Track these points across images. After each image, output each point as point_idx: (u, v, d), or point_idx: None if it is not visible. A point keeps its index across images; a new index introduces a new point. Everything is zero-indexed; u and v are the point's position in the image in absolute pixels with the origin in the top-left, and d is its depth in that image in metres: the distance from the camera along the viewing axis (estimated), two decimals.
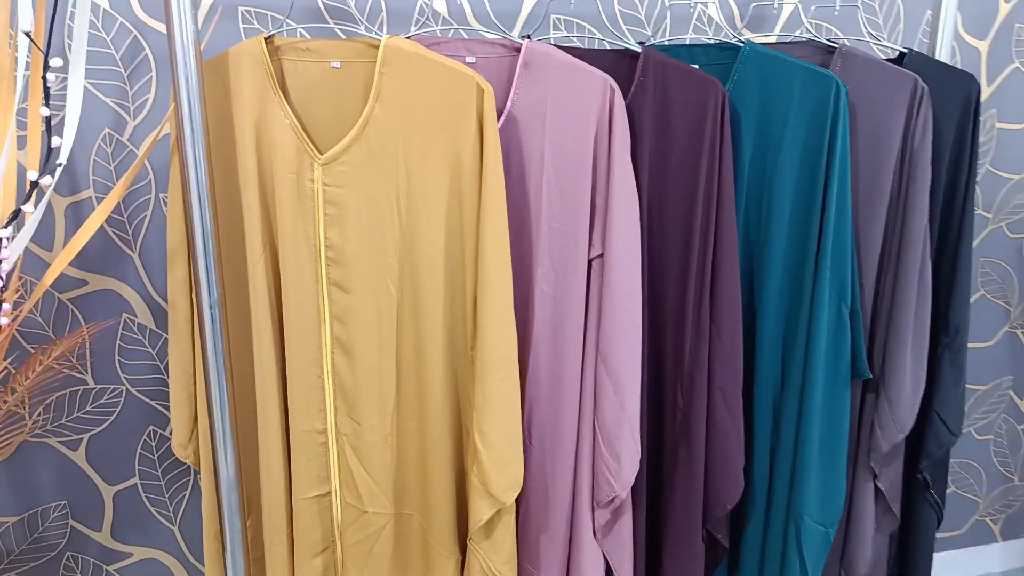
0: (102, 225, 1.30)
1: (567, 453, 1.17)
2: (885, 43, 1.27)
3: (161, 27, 1.24)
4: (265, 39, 1.03)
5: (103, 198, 1.29)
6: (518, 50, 1.07)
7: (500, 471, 1.07)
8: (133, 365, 1.37)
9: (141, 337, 1.36)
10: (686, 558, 1.24)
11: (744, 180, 1.18)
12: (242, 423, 1.15)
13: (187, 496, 1.46)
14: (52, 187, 0.97)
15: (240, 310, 1.11)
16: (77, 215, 1.28)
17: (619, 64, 1.14)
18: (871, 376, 1.23)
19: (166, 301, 1.34)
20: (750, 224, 1.20)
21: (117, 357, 1.36)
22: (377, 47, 1.01)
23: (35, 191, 0.94)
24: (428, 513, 1.16)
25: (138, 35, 1.24)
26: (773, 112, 1.14)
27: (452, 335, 1.09)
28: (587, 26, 1.41)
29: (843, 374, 1.22)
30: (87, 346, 1.34)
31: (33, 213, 0.95)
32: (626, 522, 1.21)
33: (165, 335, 1.37)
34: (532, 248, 1.12)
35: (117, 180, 1.29)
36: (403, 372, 1.11)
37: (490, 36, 1.11)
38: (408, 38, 1.08)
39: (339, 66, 1.05)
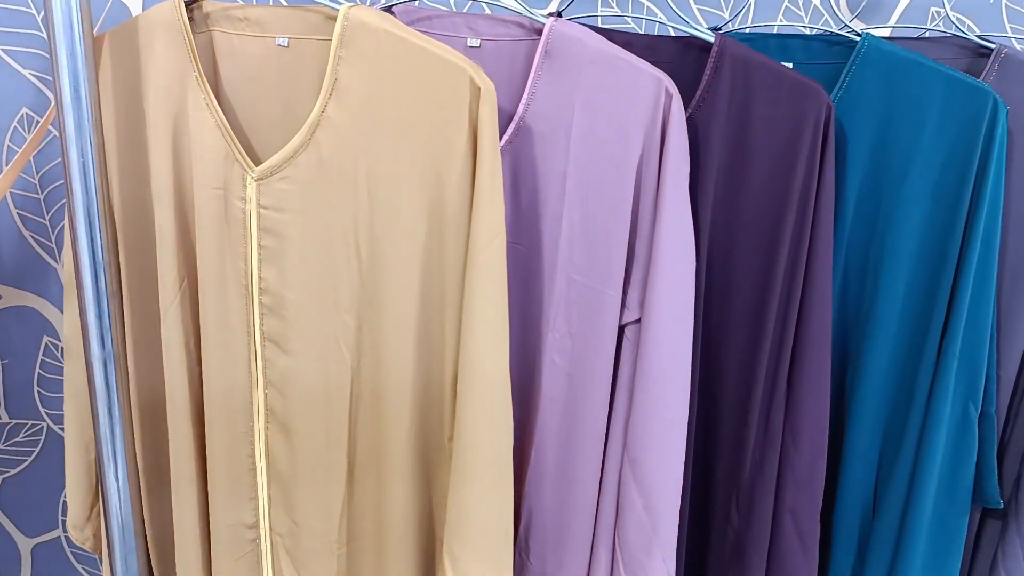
0: (19, 229, 1.04)
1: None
2: None
3: None
4: (187, 2, 0.74)
5: (21, 196, 1.03)
6: (540, 32, 0.76)
7: None
8: (56, 398, 1.12)
9: None
10: None
11: (846, 228, 0.85)
12: (152, 507, 0.88)
13: None
14: None
15: (153, 361, 0.84)
16: None
17: (683, 59, 0.82)
18: (1001, 505, 0.90)
19: None
20: (848, 288, 0.87)
21: (36, 388, 1.11)
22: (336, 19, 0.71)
23: None
24: None
25: None
26: (897, 135, 0.81)
27: (425, 419, 0.80)
28: (646, 3, 1.09)
29: (962, 498, 0.89)
30: None
31: None
32: None
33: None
34: (543, 306, 0.81)
35: (37, 172, 1.03)
36: (358, 462, 0.82)
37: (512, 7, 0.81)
38: (388, 8, 0.78)
39: (287, 44, 0.75)
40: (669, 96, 0.74)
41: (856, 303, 0.87)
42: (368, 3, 0.82)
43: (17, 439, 1.13)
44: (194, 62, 0.74)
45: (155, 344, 0.83)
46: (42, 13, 0.97)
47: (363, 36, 0.69)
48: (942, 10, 1.18)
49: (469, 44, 0.79)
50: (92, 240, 0.74)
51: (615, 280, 0.79)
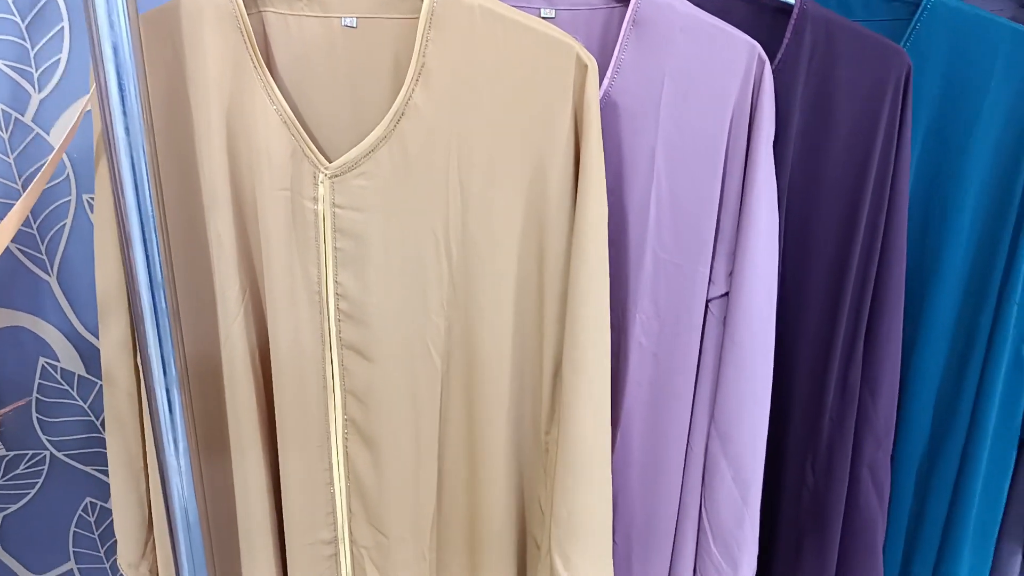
0: None
1: (662, 554, 0.87)
2: None
3: None
4: None
5: (4, 204, 0.91)
6: (621, 1, 0.72)
7: None
8: (58, 423, 1.02)
9: (67, 387, 1.00)
10: None
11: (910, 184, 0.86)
12: (217, 537, 0.82)
13: None
14: None
15: (207, 382, 0.77)
16: None
17: (758, 20, 0.79)
18: None
19: (98, 339, 0.99)
20: (911, 242, 0.88)
21: (35, 415, 1.00)
22: None
23: None
24: None
25: None
26: (962, 91, 0.82)
27: (519, 417, 0.77)
28: None
29: (1013, 433, 0.93)
30: None
31: None
32: None
33: (99, 383, 1.01)
34: (628, 287, 0.79)
35: (19, 177, 0.91)
36: (447, 468, 0.78)
37: None
38: None
39: (355, 24, 0.68)
40: (762, 63, 0.71)
41: (918, 254, 0.88)
42: None
43: (17, 471, 1.02)
44: (250, 48, 0.66)
45: (209, 360, 0.76)
46: None
47: (455, 14, 0.63)
48: None
49: (543, 14, 0.74)
50: (149, 259, 0.66)
51: (704, 256, 0.77)
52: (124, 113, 0.61)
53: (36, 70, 0.87)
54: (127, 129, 0.62)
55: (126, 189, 0.63)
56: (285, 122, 0.67)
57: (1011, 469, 0.96)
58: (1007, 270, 0.86)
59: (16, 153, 0.89)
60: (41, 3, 0.85)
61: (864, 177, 0.78)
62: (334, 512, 0.80)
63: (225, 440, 0.78)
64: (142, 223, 0.64)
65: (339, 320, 0.72)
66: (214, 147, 0.68)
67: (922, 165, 0.85)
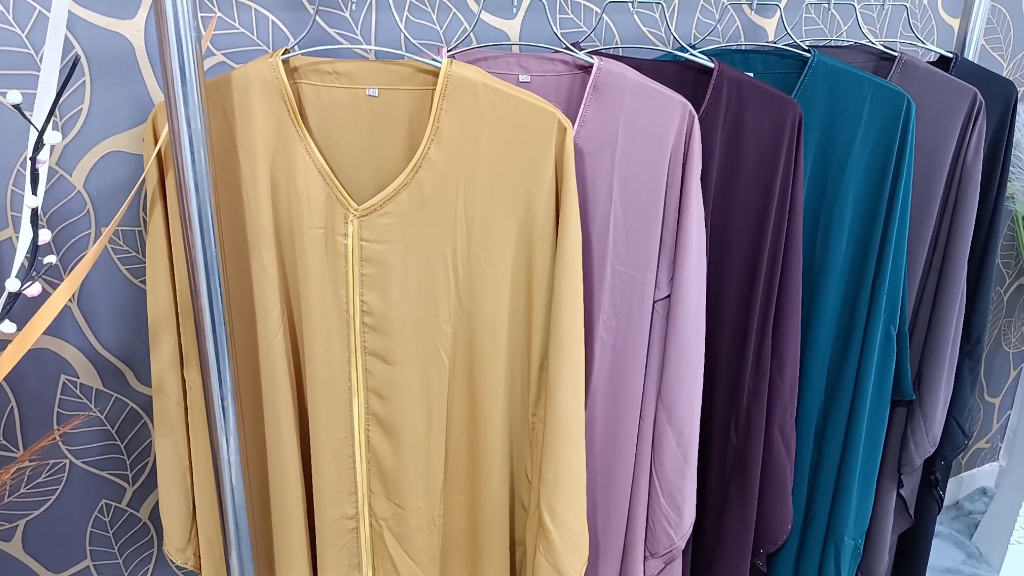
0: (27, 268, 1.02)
1: (620, 507, 1.07)
2: (922, 44, 1.20)
3: (95, 18, 0.96)
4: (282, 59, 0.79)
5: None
6: (582, 68, 0.90)
7: (572, 550, 0.95)
8: (77, 434, 1.12)
9: (85, 400, 1.11)
10: None
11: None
12: (254, 518, 0.96)
13: (151, 570, 1.24)
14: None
15: (250, 387, 0.91)
16: None
17: (684, 79, 0.99)
18: (915, 397, 1.20)
19: (114, 355, 1.10)
20: (804, 250, 1.11)
21: (56, 427, 1.10)
22: (427, 72, 0.81)
23: (15, 301, 0.69)
24: None
25: (65, 28, 0.95)
26: (839, 130, 1.04)
27: (511, 403, 0.95)
28: (589, 6, 1.24)
29: (887, 396, 1.18)
30: (16, 417, 1.07)
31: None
32: (677, 566, 1.14)
33: (114, 395, 1.12)
34: (593, 294, 0.97)
35: (44, 214, 1.01)
36: (452, 447, 0.95)
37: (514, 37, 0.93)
38: (452, 56, 0.88)
39: (376, 94, 0.83)
40: (692, 117, 0.91)
41: (810, 259, 1.11)
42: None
43: (38, 481, 1.12)
44: (292, 114, 0.80)
45: (255, 370, 0.90)
46: (40, 52, 0.95)
47: (462, 88, 0.80)
48: (813, 3, 1.44)
49: (521, 79, 0.91)
50: (210, 289, 0.79)
51: (651, 266, 0.97)
52: (194, 171, 0.75)
53: (61, 118, 0.98)
54: (196, 185, 0.76)
55: (193, 231, 0.77)
56: (321, 173, 0.82)
57: (886, 423, 1.21)
58: (877, 269, 1.10)
59: (44, 193, 0.99)
60: (66, 60, 0.96)
61: (768, 200, 1.00)
62: (356, 492, 0.95)
63: (263, 436, 0.92)
64: (205, 259, 0.78)
65: (364, 332, 0.88)
66: (260, 193, 0.82)
67: (811, 189, 1.08)
